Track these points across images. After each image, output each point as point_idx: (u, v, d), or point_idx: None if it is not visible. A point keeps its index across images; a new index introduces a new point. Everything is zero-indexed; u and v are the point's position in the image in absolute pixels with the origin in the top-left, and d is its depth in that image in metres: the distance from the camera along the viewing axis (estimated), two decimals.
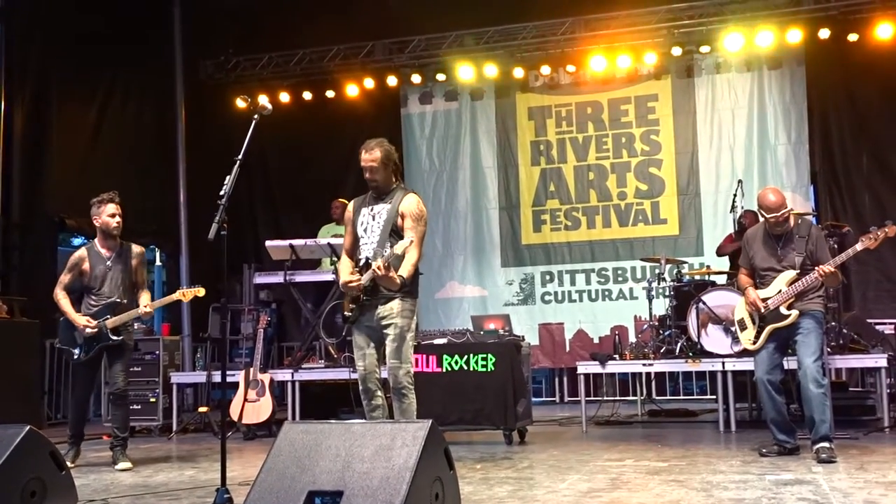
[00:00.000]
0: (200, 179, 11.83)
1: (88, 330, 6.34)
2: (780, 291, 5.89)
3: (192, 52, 12.58)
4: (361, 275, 5.25)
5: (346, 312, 5.35)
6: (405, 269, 5.17)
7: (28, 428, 4.10)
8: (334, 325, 8.81)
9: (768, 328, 5.92)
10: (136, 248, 6.67)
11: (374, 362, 5.35)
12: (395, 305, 5.22)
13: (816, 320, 5.85)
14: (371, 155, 5.36)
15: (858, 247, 5.76)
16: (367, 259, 5.28)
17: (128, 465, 6.35)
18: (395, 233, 5.27)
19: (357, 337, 5.38)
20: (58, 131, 10.76)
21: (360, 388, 5.35)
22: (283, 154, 12.80)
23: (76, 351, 6.45)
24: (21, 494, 3.93)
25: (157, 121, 12.34)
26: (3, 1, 10.22)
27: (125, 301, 6.48)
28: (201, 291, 6.72)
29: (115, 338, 6.39)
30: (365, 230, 5.40)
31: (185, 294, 6.67)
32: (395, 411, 5.26)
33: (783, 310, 5.86)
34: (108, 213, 6.43)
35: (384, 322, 5.23)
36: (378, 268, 5.03)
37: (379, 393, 5.35)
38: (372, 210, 5.42)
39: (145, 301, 6.48)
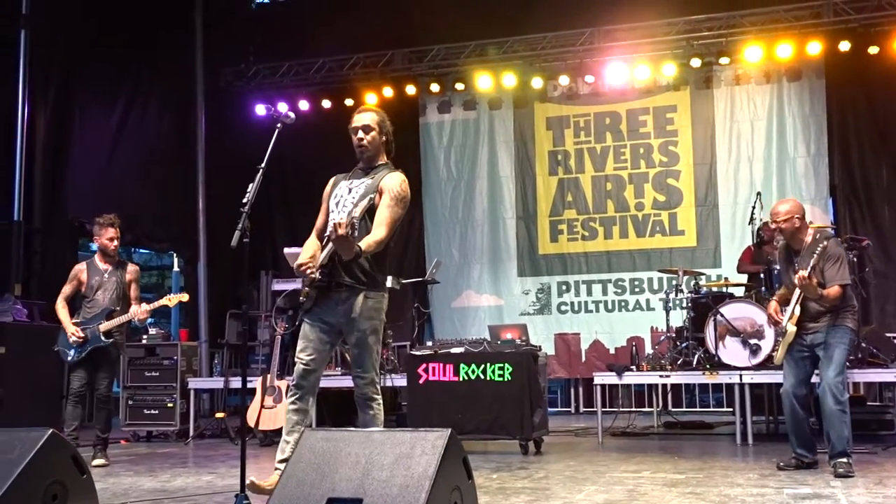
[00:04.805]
0: (219, 186, 11.92)
1: (74, 339, 6.86)
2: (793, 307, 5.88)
3: (212, 59, 12.69)
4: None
5: (301, 297, 4.63)
6: (366, 242, 4.41)
7: (50, 431, 4.12)
8: None
9: (783, 342, 5.92)
10: (132, 266, 7.29)
11: (319, 361, 4.65)
12: (358, 304, 4.53)
13: (842, 335, 5.79)
14: (363, 117, 4.80)
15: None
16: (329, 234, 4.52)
17: (101, 461, 6.89)
18: (369, 210, 4.55)
19: (307, 327, 4.65)
20: (79, 137, 10.88)
21: (293, 382, 4.65)
22: (301, 161, 12.81)
23: (70, 352, 6.94)
24: (43, 498, 3.96)
25: (177, 127, 12.45)
26: (26, 8, 10.32)
27: (118, 309, 7.01)
28: (185, 297, 7.24)
29: (105, 339, 6.88)
30: (337, 203, 4.74)
31: (171, 300, 7.15)
32: (360, 421, 4.70)
33: (789, 326, 5.85)
34: (107, 237, 7.07)
35: (344, 322, 4.57)
36: (337, 225, 4.22)
37: (310, 398, 4.67)
38: (351, 184, 4.79)
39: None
